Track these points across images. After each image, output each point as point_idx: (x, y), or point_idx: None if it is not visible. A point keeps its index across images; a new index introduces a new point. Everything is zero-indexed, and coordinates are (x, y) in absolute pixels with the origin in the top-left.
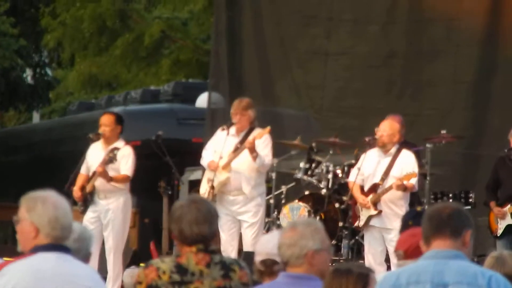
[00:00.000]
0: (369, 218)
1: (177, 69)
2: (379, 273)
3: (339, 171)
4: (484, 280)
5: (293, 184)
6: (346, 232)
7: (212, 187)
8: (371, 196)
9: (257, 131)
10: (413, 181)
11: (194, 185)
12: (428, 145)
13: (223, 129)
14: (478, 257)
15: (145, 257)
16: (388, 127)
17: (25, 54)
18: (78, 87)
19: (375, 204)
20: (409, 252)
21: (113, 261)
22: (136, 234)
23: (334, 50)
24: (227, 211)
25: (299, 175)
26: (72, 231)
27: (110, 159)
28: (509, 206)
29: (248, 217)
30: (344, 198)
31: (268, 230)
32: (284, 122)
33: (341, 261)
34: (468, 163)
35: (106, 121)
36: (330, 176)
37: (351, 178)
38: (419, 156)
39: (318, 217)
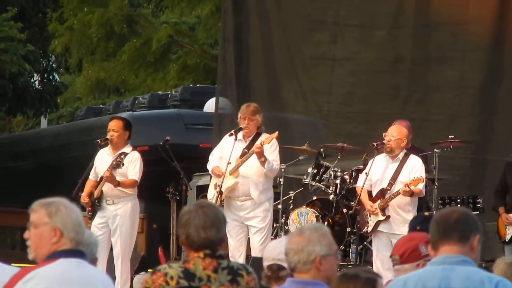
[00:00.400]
0: (377, 223)
1: (184, 74)
2: (387, 278)
3: (347, 177)
4: (491, 285)
5: (301, 189)
6: (354, 238)
7: (220, 193)
8: (378, 201)
9: (264, 136)
10: (420, 186)
11: (202, 190)
12: (436, 150)
13: (231, 134)
14: (486, 263)
15: (153, 262)
16: (395, 132)
17: (33, 60)
18: (86, 92)
19: (383, 209)
20: (405, 257)
21: (121, 266)
22: (144, 240)
23: (341, 56)
24: (235, 216)
25: (307, 180)
26: None
27: (118, 164)
28: None
29: (256, 223)
30: (352, 203)
31: (276, 235)
32: (292, 127)
33: (349, 266)
34: (475, 168)
35: (114, 127)
36: (338, 181)
37: (359, 184)
38: (427, 161)
39: (326, 223)
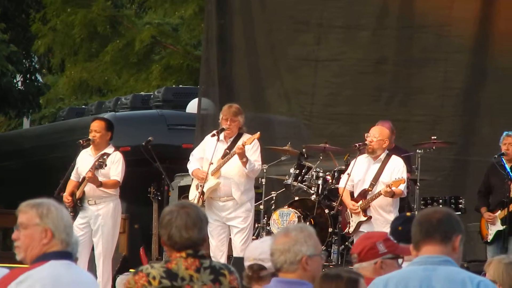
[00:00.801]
0: (359, 224)
1: (167, 75)
2: None
3: (329, 177)
4: (473, 286)
5: (283, 189)
6: (335, 238)
7: (202, 193)
8: (360, 202)
9: (246, 137)
10: (402, 187)
11: (184, 191)
12: (418, 151)
13: (213, 135)
14: (468, 263)
15: (135, 263)
16: (377, 133)
17: (16, 60)
18: (69, 93)
19: (364, 210)
20: (363, 255)
21: (103, 266)
22: (126, 240)
23: (324, 57)
24: (217, 216)
25: (289, 181)
26: None
27: (100, 164)
28: (499, 212)
29: (238, 223)
30: (334, 204)
31: (258, 235)
32: (275, 128)
33: (331, 266)
34: (458, 169)
35: (96, 127)
36: (320, 182)
37: (341, 184)
38: (409, 161)
39: (308, 223)
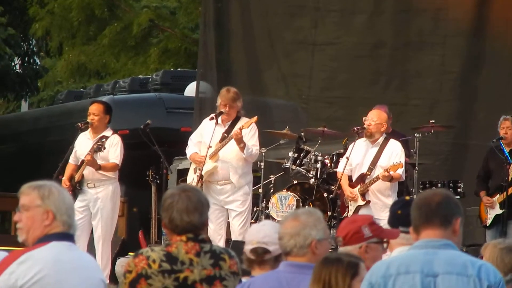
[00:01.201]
0: (357, 208)
1: (165, 58)
2: None
3: (327, 161)
4: (474, 270)
5: (281, 173)
6: (334, 222)
7: (201, 176)
8: (358, 186)
9: (244, 120)
10: (400, 171)
11: (183, 174)
12: (416, 135)
13: (212, 119)
14: (467, 247)
15: (134, 246)
16: (375, 117)
17: (14, 43)
18: (67, 76)
19: (362, 194)
20: (348, 238)
21: (102, 250)
22: (125, 223)
23: (321, 41)
24: (215, 200)
25: (287, 164)
26: None
27: (99, 147)
28: (498, 196)
29: (236, 206)
30: (333, 187)
31: (256, 219)
32: (272, 111)
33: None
34: (456, 153)
35: (94, 110)
36: (318, 165)
37: (340, 169)
38: (408, 145)
39: (306, 207)
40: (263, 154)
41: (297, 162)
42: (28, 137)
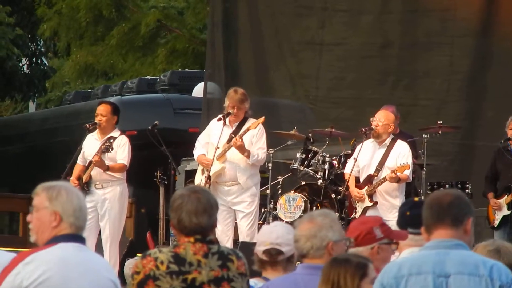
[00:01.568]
0: (365, 209)
1: (173, 59)
2: None
3: (335, 162)
4: (485, 270)
5: (289, 174)
6: (342, 223)
7: (209, 177)
8: (366, 187)
9: (251, 121)
10: (407, 172)
11: (190, 175)
12: (424, 136)
13: (220, 119)
14: None
15: (141, 247)
16: (383, 117)
17: (21, 44)
18: (74, 77)
19: (370, 195)
20: (359, 240)
21: (110, 251)
22: (132, 224)
23: (329, 41)
24: (222, 201)
25: (295, 165)
26: None
27: (106, 148)
28: (506, 197)
29: (244, 207)
30: (341, 188)
31: (264, 220)
32: (280, 112)
33: None
34: (464, 154)
35: (102, 111)
36: (326, 166)
37: (347, 170)
38: (415, 146)
39: (314, 208)
40: (271, 155)
41: (305, 163)
42: (35, 138)
